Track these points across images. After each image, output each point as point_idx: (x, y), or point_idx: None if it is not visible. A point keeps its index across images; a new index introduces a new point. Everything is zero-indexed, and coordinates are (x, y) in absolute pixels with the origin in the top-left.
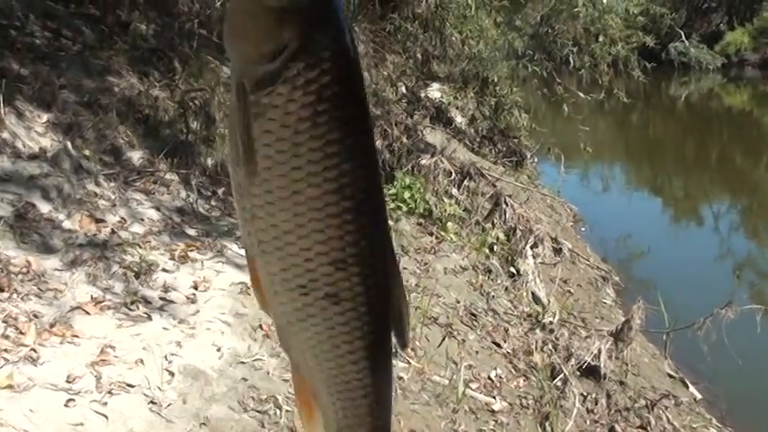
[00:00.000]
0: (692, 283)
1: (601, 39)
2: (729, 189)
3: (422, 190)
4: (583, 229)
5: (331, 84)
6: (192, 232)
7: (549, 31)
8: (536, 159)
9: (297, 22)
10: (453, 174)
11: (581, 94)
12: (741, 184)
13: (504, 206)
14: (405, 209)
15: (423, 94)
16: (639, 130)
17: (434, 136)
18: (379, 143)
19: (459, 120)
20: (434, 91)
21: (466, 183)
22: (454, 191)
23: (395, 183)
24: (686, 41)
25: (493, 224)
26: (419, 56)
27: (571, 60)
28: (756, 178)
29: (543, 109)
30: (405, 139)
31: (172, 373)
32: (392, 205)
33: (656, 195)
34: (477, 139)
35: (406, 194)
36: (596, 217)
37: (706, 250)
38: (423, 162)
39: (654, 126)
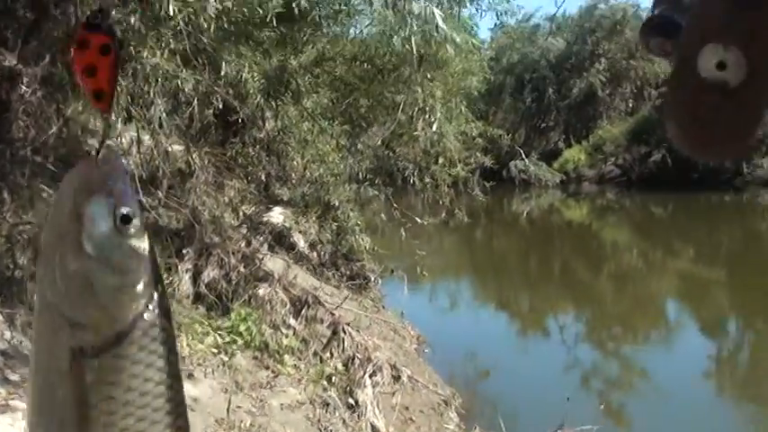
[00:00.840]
0: (538, 399)
1: (441, 161)
2: (573, 300)
3: (258, 321)
4: (426, 350)
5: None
6: (15, 377)
7: (391, 154)
8: (380, 281)
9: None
10: (291, 303)
11: (417, 219)
12: (584, 295)
13: (342, 335)
14: (240, 342)
15: (265, 219)
16: (484, 247)
17: (275, 262)
18: (215, 273)
19: (302, 244)
20: (277, 215)
21: (304, 312)
22: (292, 321)
23: (231, 315)
24: (526, 159)
25: (331, 354)
26: (262, 179)
27: (412, 182)
28: (598, 288)
29: (388, 230)
30: (242, 268)
31: None
32: (227, 339)
33: (502, 310)
34: (320, 264)
35: (242, 327)
36: (442, 336)
37: (553, 362)
38: (260, 292)
39: (498, 242)
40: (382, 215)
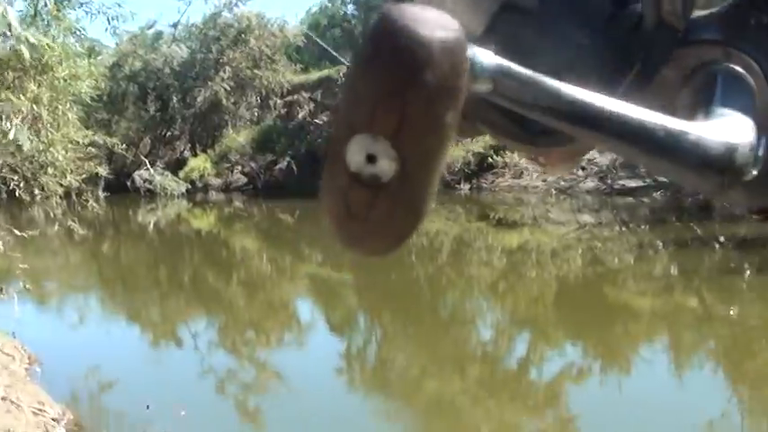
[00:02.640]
0: (166, 406)
1: (50, 171)
2: (205, 309)
3: None
4: (38, 370)
5: None
6: None
7: None
8: None
9: None
10: None
11: (16, 231)
12: (216, 303)
13: None
14: None
15: None
16: (112, 260)
17: None
18: None
19: None
20: None
21: None
22: None
23: None
24: (151, 169)
25: None
26: None
27: (18, 194)
28: (230, 295)
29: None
30: None
31: None
32: None
33: (132, 323)
34: None
35: None
36: (62, 354)
37: (186, 371)
38: None
39: (126, 254)
40: None
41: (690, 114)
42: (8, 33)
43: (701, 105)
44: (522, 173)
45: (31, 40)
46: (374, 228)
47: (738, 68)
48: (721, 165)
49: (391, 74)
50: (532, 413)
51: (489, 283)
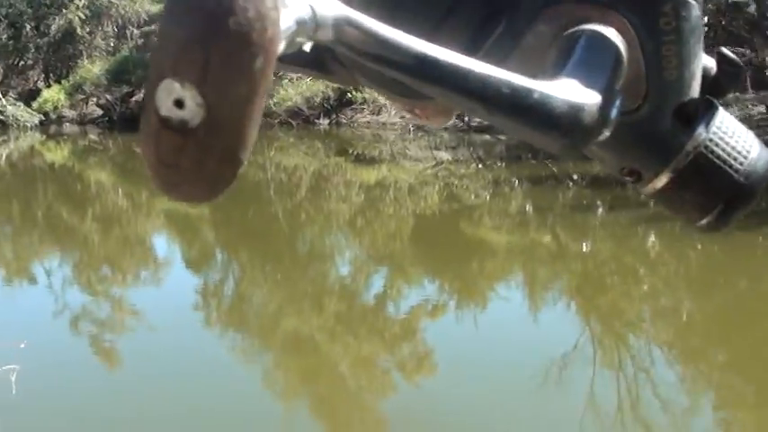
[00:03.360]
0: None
1: None
2: (59, 245)
3: None
4: None
5: None
6: None
7: None
8: None
9: None
10: None
11: None
12: (71, 239)
13: None
14: None
15: None
16: None
17: None
18: None
19: None
20: None
21: None
22: None
23: None
24: (3, 100)
25: None
26: None
27: None
28: (85, 231)
29: None
30: None
31: None
32: None
33: None
34: None
35: None
36: None
37: (42, 309)
38: None
39: None
40: None
41: (548, 75)
42: None
43: (558, 65)
44: (380, 109)
45: None
46: (186, 174)
47: (608, 29)
48: (566, 124)
49: (193, 20)
50: (389, 348)
51: (347, 219)
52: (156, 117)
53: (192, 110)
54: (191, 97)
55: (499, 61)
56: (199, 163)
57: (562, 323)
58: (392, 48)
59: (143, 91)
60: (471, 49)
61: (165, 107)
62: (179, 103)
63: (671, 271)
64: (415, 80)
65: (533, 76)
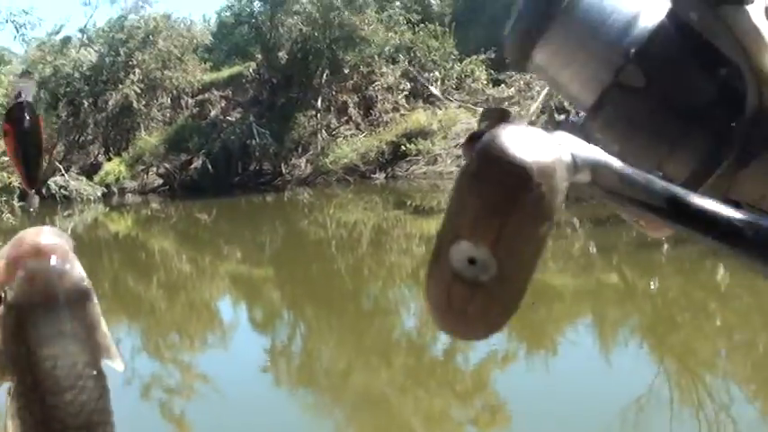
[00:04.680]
0: None
1: None
2: (127, 313)
3: None
4: None
5: None
6: None
7: None
8: None
9: None
10: None
11: None
12: (137, 307)
13: None
14: None
15: None
16: None
17: None
18: None
19: None
20: None
21: None
22: None
23: None
24: (66, 175)
25: None
26: None
27: None
28: (150, 298)
29: None
30: None
31: None
32: None
33: None
34: None
35: None
36: None
37: (111, 378)
38: None
39: None
40: None
41: None
42: None
43: None
44: (436, 159)
45: None
46: (471, 320)
47: None
48: None
49: (492, 193)
50: (461, 401)
51: (410, 271)
52: (449, 271)
53: (484, 267)
54: (483, 256)
55: (726, 189)
56: (484, 311)
57: (635, 365)
58: (644, 191)
59: (200, 158)
60: (698, 178)
61: (459, 263)
62: (472, 261)
63: (743, 304)
64: (665, 220)
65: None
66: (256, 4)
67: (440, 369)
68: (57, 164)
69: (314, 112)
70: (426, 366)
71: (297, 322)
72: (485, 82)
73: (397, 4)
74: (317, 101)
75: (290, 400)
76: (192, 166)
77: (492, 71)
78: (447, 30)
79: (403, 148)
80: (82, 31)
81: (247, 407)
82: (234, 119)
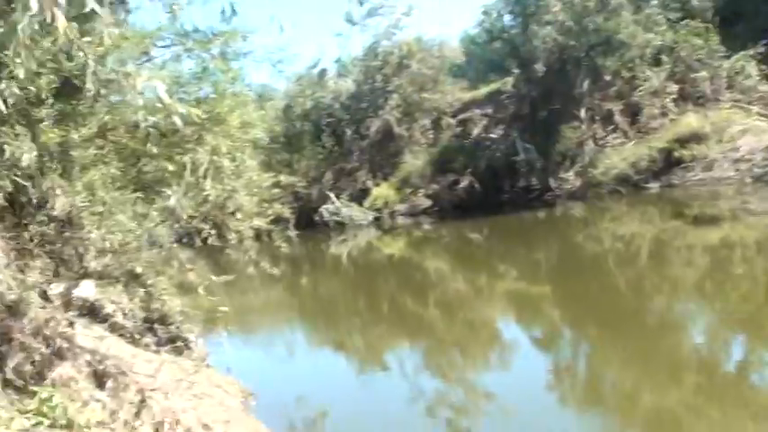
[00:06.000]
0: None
1: (239, 216)
2: (407, 333)
3: (63, 399)
4: (253, 403)
5: None
6: None
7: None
8: (201, 340)
9: None
10: (96, 376)
11: (213, 277)
12: (417, 327)
13: (150, 401)
14: (47, 422)
15: (75, 294)
16: (311, 293)
17: (87, 336)
18: (20, 357)
19: (116, 314)
20: (88, 288)
21: (110, 384)
22: (98, 394)
23: (36, 397)
24: (337, 202)
25: (142, 421)
26: (64, 256)
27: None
28: (429, 318)
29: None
30: (44, 349)
31: None
32: (33, 421)
33: (338, 352)
34: (136, 332)
35: (46, 407)
36: (275, 386)
37: (396, 396)
38: (62, 370)
39: (324, 286)
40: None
41: None
42: (160, 105)
43: None
44: (712, 164)
45: (181, 110)
46: None
47: None
48: None
49: None
50: (760, 422)
51: (694, 283)
52: None
53: None
54: None
55: None
56: None
57: None
58: None
59: (467, 177)
60: None
61: None
62: None
63: None
64: None
65: None
66: (507, 18)
67: (734, 388)
68: (327, 192)
69: (578, 123)
70: (719, 385)
71: (579, 340)
72: (757, 78)
73: (654, 2)
74: (579, 111)
75: (578, 419)
76: (460, 186)
77: (763, 66)
78: (710, 25)
79: (676, 154)
80: (337, 61)
81: (534, 426)
82: (497, 135)
